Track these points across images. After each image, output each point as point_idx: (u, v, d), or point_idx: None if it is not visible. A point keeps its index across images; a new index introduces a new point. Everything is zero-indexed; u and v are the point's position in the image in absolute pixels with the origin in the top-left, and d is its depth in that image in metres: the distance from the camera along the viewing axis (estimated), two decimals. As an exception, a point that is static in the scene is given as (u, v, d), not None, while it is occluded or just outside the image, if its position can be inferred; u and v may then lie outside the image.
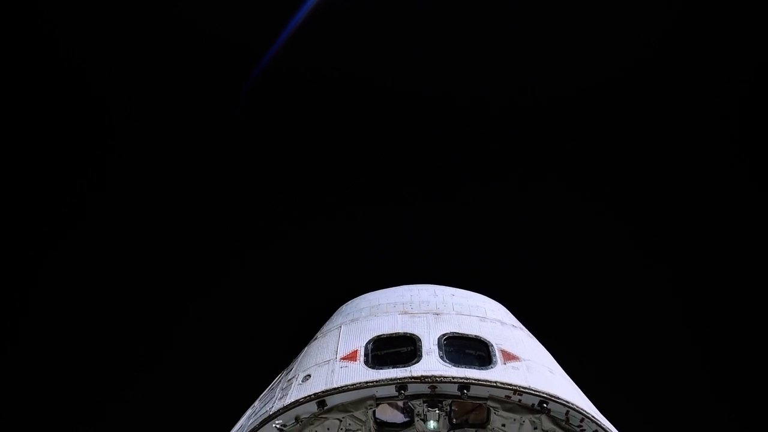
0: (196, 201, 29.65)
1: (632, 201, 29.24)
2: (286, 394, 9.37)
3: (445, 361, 9.11)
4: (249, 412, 10.46)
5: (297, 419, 9.10)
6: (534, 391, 8.96)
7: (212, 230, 29.81)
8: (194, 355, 27.68)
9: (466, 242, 30.01)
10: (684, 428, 25.15)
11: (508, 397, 9.00)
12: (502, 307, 11.76)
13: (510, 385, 8.93)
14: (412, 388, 8.93)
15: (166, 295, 28.79)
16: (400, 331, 9.89)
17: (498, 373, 9.05)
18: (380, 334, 9.91)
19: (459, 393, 8.89)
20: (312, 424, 9.31)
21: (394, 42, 27.60)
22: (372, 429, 9.63)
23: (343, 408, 9.16)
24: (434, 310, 10.47)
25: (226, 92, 28.55)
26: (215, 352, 28.15)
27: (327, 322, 11.53)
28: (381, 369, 9.12)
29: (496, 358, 9.32)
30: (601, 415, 9.66)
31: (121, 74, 28.14)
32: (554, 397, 9.01)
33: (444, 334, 9.67)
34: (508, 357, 9.46)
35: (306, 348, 10.87)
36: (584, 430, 9.22)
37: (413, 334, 9.70)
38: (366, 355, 9.47)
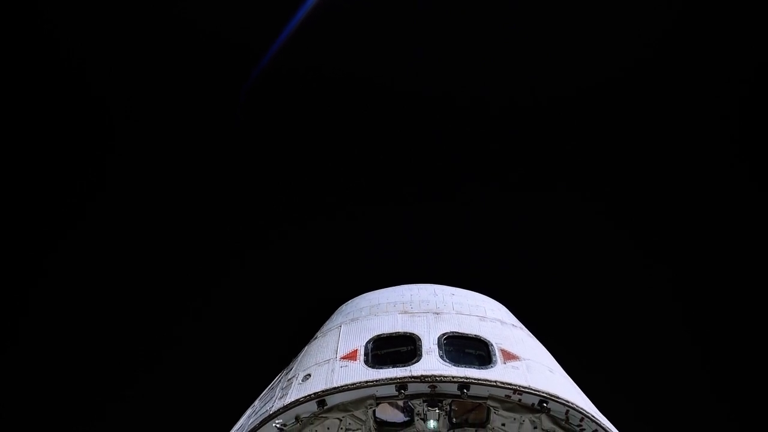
0: (196, 201, 29.69)
1: (632, 201, 29.28)
2: (286, 394, 9.37)
3: (445, 361, 9.12)
4: (249, 411, 10.47)
5: (297, 419, 9.11)
6: (534, 390, 8.96)
7: (212, 230, 29.84)
8: (194, 355, 27.71)
9: (466, 242, 30.05)
10: (684, 428, 25.17)
11: (507, 396, 9.01)
12: (502, 306, 11.77)
13: (510, 384, 8.93)
14: (412, 388, 8.93)
15: (166, 295, 28.83)
16: (400, 331, 9.90)
17: (498, 373, 9.06)
18: (380, 333, 9.92)
19: (459, 392, 8.89)
20: (312, 423, 9.32)
21: (394, 42, 27.63)
22: (372, 428, 9.63)
23: (343, 407, 9.17)
24: (434, 309, 10.47)
25: (226, 92, 28.59)
26: (215, 351, 28.19)
27: (327, 322, 11.54)
28: (381, 368, 9.12)
29: (495, 358, 9.33)
30: (601, 415, 9.66)
31: (121, 74, 28.18)
32: (554, 396, 9.02)
33: (444, 334, 9.68)
34: (508, 356, 9.46)
35: (306, 347, 10.87)
36: (584, 429, 9.22)
37: (413, 334, 9.70)
38: (366, 354, 9.48)
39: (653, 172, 28.94)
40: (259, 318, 29.13)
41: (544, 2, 27.03)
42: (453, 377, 8.84)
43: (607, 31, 26.63)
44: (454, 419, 9.86)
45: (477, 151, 29.79)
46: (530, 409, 9.10)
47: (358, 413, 9.33)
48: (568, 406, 9.06)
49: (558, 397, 9.04)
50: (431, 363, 9.08)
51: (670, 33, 26.65)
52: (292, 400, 9.09)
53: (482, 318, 10.46)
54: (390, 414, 9.94)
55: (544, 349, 10.82)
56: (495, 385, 8.90)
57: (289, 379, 9.87)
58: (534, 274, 28.69)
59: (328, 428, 9.50)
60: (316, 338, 11.00)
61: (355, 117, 29.30)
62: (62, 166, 28.53)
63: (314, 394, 9.02)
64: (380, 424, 9.75)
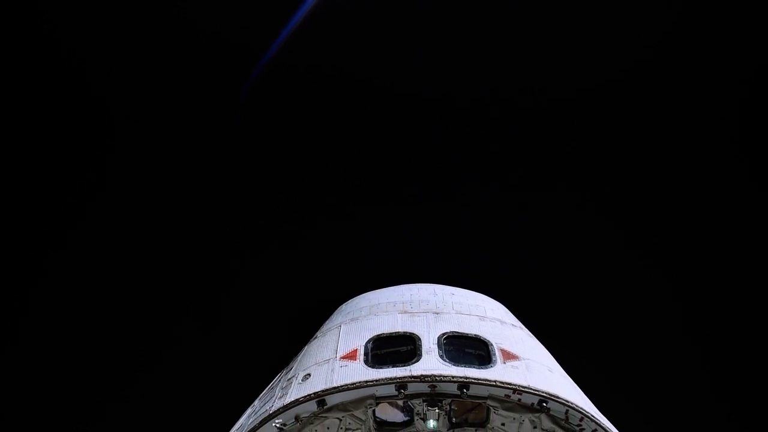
0: (196, 201, 29.69)
1: (632, 202, 29.28)
2: (286, 393, 9.38)
3: (445, 361, 9.12)
4: (249, 411, 10.47)
5: (297, 418, 9.11)
6: (533, 390, 8.97)
7: (212, 230, 29.84)
8: (194, 355, 27.70)
9: (466, 243, 30.05)
10: (684, 428, 25.17)
11: (507, 396, 9.02)
12: (502, 306, 11.77)
13: (509, 384, 8.94)
14: (412, 388, 8.94)
15: (166, 295, 28.83)
16: (399, 331, 9.90)
17: (497, 373, 9.06)
18: (380, 333, 9.92)
19: (459, 392, 8.90)
20: (312, 423, 9.32)
21: (394, 43, 27.64)
22: (372, 428, 9.64)
23: (343, 407, 9.18)
24: (434, 309, 10.48)
25: (226, 92, 28.59)
26: (215, 351, 28.18)
27: (327, 322, 11.54)
28: (381, 368, 9.13)
29: (495, 358, 9.33)
30: (601, 414, 9.67)
31: (121, 74, 28.18)
32: (554, 396, 9.03)
33: (444, 334, 9.68)
34: (508, 356, 9.46)
35: (306, 347, 10.87)
36: (583, 429, 9.23)
37: (413, 334, 9.71)
38: (366, 354, 9.48)
39: (653, 173, 28.98)
40: (259, 318, 29.16)
41: (544, 3, 27.05)
42: (453, 377, 8.84)
43: (607, 32, 26.66)
44: (454, 419, 9.87)
45: (477, 152, 29.83)
46: (530, 408, 9.11)
47: (357, 413, 9.33)
48: (568, 406, 9.06)
49: (558, 397, 9.04)
50: (431, 363, 9.08)
51: (670, 34, 26.69)
52: (292, 399, 9.10)
53: (482, 318, 10.47)
54: (390, 414, 9.94)
55: (544, 348, 10.82)
56: (495, 384, 8.90)
57: (289, 378, 9.87)
58: (534, 274, 28.74)
59: (328, 428, 9.50)
60: (315, 338, 11.00)
61: (355, 118, 29.33)
62: (62, 166, 28.57)
63: (314, 393, 9.03)
64: (380, 423, 9.75)
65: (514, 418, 9.39)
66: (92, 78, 27.99)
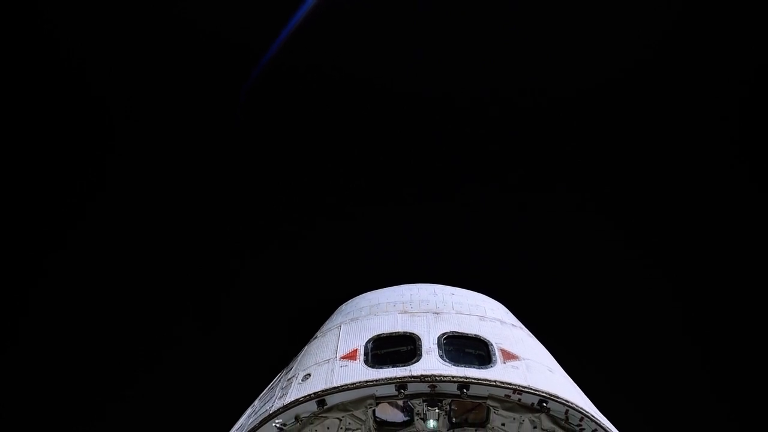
0: (196, 201, 29.69)
1: (632, 202, 29.29)
2: (286, 393, 9.38)
3: (445, 361, 9.12)
4: (249, 411, 10.47)
5: (297, 418, 9.11)
6: (533, 390, 8.97)
7: (212, 230, 29.84)
8: (194, 355, 27.70)
9: (466, 243, 30.05)
10: (684, 428, 25.17)
11: (507, 396, 9.02)
12: (502, 306, 11.77)
13: (509, 384, 8.94)
14: (412, 388, 8.94)
15: (165, 295, 28.83)
16: (399, 330, 9.90)
17: (497, 373, 9.06)
18: (380, 333, 9.92)
19: (459, 392, 8.89)
20: (312, 423, 9.32)
21: (394, 42, 27.64)
22: (372, 428, 9.64)
23: (343, 407, 9.17)
24: (434, 309, 10.48)
25: (226, 92, 28.59)
26: (215, 351, 28.18)
27: (327, 321, 11.54)
28: (381, 368, 9.13)
29: (495, 358, 9.33)
30: (601, 414, 9.66)
31: (121, 74, 28.18)
32: (554, 396, 9.02)
33: (444, 334, 9.68)
34: (508, 356, 9.46)
35: (306, 347, 10.87)
36: (583, 429, 9.22)
37: (413, 334, 9.71)
38: (366, 354, 9.48)
39: (653, 173, 28.98)
40: (259, 317, 29.17)
41: (544, 3, 27.05)
42: (453, 377, 8.84)
43: (607, 32, 26.66)
44: (454, 419, 9.87)
45: (477, 152, 29.83)
46: (530, 408, 9.11)
47: (357, 413, 9.33)
48: (568, 406, 9.06)
49: (558, 397, 9.04)
50: (431, 363, 9.08)
51: (670, 34, 26.69)
52: (292, 399, 9.09)
53: (482, 318, 10.47)
54: (390, 414, 9.94)
55: (544, 348, 10.82)
56: (495, 384, 8.90)
57: (289, 378, 9.87)
58: (534, 274, 28.74)
59: (328, 428, 9.50)
60: (316, 338, 11.00)
61: (355, 118, 29.34)
62: (62, 166, 28.57)
63: (314, 393, 9.03)
64: (380, 423, 9.75)
65: (514, 418, 9.39)
66: (92, 78, 28.03)
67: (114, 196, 29.48)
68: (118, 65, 27.97)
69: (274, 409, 9.16)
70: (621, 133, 28.81)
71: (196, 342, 28.26)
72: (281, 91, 28.76)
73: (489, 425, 9.61)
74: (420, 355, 9.22)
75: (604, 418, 9.65)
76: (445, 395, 9.04)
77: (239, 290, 29.23)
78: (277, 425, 9.05)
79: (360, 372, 9.13)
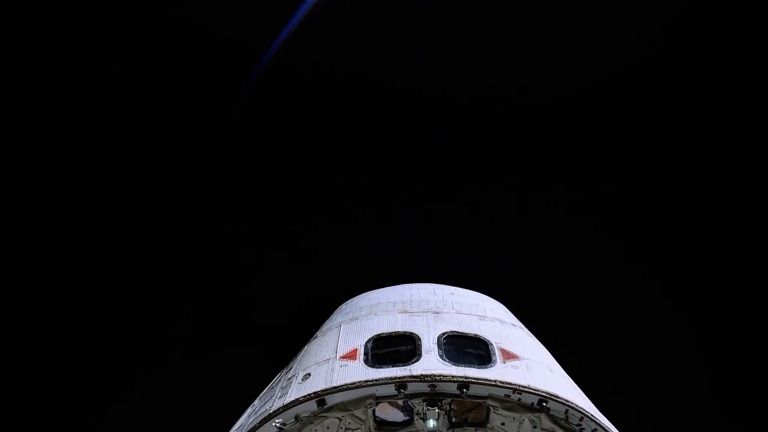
0: (197, 201, 29.69)
1: (632, 201, 29.28)
2: (286, 393, 9.38)
3: (445, 360, 9.12)
4: (249, 410, 10.47)
5: (297, 418, 9.11)
6: (533, 389, 8.97)
7: (212, 230, 29.84)
8: (194, 355, 27.72)
9: (466, 242, 30.05)
10: (684, 428, 25.17)
11: (507, 395, 9.02)
12: (502, 305, 11.77)
13: (509, 383, 8.93)
14: (412, 387, 8.94)
15: (165, 294, 28.83)
16: (399, 330, 9.90)
17: (497, 372, 9.06)
18: (380, 332, 9.92)
19: (458, 392, 8.89)
20: (312, 422, 9.33)
21: (394, 42, 27.63)
22: (372, 428, 9.65)
23: (343, 407, 9.18)
24: (434, 309, 10.47)
25: (226, 92, 28.59)
26: (215, 351, 28.18)
27: (327, 321, 11.54)
28: (381, 368, 9.12)
29: (495, 357, 9.32)
30: (601, 414, 9.66)
31: (121, 74, 28.18)
32: (553, 395, 9.02)
33: (443, 333, 9.68)
34: (508, 356, 9.46)
35: (306, 347, 10.87)
36: (583, 428, 9.23)
37: (413, 333, 9.71)
38: (366, 353, 9.48)
39: (653, 172, 28.98)
40: (260, 317, 29.16)
41: (544, 2, 27.04)
42: (452, 377, 8.83)
43: (607, 31, 26.65)
44: (454, 418, 9.88)
45: (477, 151, 29.82)
46: (530, 408, 9.11)
47: (357, 412, 9.34)
48: (568, 406, 9.06)
49: (557, 397, 9.04)
50: (431, 362, 9.08)
51: (670, 33, 26.67)
52: (292, 399, 9.09)
53: (482, 317, 10.46)
54: (390, 413, 9.95)
55: (544, 348, 10.82)
56: (494, 384, 8.90)
57: (289, 378, 9.87)
58: (534, 274, 28.72)
59: (328, 427, 9.51)
60: (316, 337, 11.00)
61: (355, 117, 29.34)
62: (62, 166, 28.57)
63: (314, 393, 9.02)
64: (380, 423, 9.77)
65: (513, 418, 9.40)
66: (92, 78, 28.03)
67: (114, 196, 29.52)
68: (118, 65, 28.00)
69: (274, 408, 9.16)
70: (621, 132, 28.84)
71: (196, 342, 28.30)
72: (281, 91, 28.79)
73: (489, 425, 9.63)
74: (420, 355, 9.21)
75: (604, 417, 9.65)
76: (445, 395, 9.04)
77: (239, 290, 29.25)
78: (277, 425, 9.06)
79: (360, 372, 9.12)
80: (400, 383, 8.88)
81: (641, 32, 26.65)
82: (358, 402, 9.12)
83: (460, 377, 8.84)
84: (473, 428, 9.86)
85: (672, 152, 28.53)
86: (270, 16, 26.47)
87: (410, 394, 9.02)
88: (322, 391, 9.02)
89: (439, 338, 9.54)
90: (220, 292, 29.37)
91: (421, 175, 30.07)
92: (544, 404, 9.01)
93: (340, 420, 9.43)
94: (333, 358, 9.65)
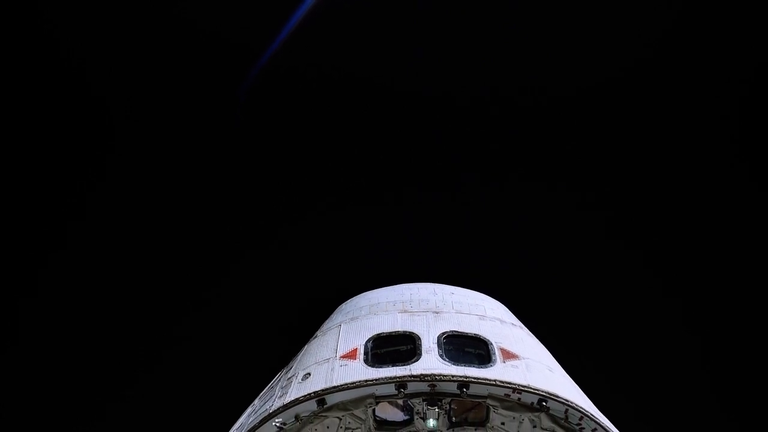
0: (196, 201, 29.69)
1: (632, 201, 29.29)
2: (286, 393, 9.38)
3: (445, 360, 9.12)
4: (249, 410, 10.47)
5: (297, 417, 9.11)
6: (533, 389, 8.96)
7: (212, 230, 29.85)
8: (194, 355, 27.71)
9: (466, 242, 30.05)
10: (684, 428, 25.17)
11: (507, 395, 9.02)
12: (502, 305, 11.77)
13: (509, 383, 8.93)
14: (412, 387, 8.93)
15: (165, 294, 28.84)
16: (399, 330, 9.90)
17: (497, 372, 9.05)
18: (380, 332, 9.91)
19: (458, 391, 8.89)
20: (312, 422, 9.34)
21: (394, 42, 27.63)
22: (372, 427, 9.65)
23: (343, 406, 9.18)
24: (434, 308, 10.47)
25: (226, 92, 28.59)
26: (215, 351, 28.19)
27: (327, 321, 11.54)
28: (381, 367, 9.11)
29: (495, 357, 9.32)
30: (601, 414, 9.67)
31: (121, 74, 28.18)
32: (553, 395, 9.02)
33: (443, 333, 9.67)
34: (508, 355, 9.46)
35: (306, 346, 10.87)
36: (583, 428, 9.23)
37: (413, 333, 9.70)
38: (366, 353, 9.47)
39: (653, 172, 28.98)
40: (259, 317, 29.16)
41: (544, 2, 27.04)
42: (452, 376, 8.83)
43: (607, 31, 26.65)
44: (454, 418, 9.88)
45: (477, 150, 29.82)
46: (529, 407, 9.11)
47: (357, 412, 9.34)
48: (568, 405, 9.06)
49: (557, 396, 9.04)
50: (431, 362, 9.07)
51: (670, 33, 26.67)
52: (292, 399, 9.09)
53: (482, 317, 10.46)
54: (390, 413, 9.95)
55: (544, 348, 10.82)
56: (494, 384, 8.89)
57: (289, 377, 9.87)
58: (534, 274, 28.72)
59: (328, 427, 9.51)
60: (316, 337, 11.00)
61: (354, 117, 29.33)
62: (62, 165, 28.57)
63: (314, 393, 9.02)
64: (380, 422, 9.77)
65: (513, 417, 9.40)
66: (92, 78, 28.02)
67: (114, 196, 29.52)
68: (118, 65, 27.99)
69: (274, 408, 9.16)
70: (621, 131, 28.83)
71: (196, 342, 28.29)
72: (281, 91, 28.78)
73: (489, 424, 9.63)
74: (420, 355, 9.21)
75: (604, 417, 9.65)
76: (445, 394, 9.04)
77: (239, 290, 29.26)
78: (277, 424, 9.06)
79: (360, 371, 9.12)
80: (400, 383, 8.88)
81: (641, 32, 26.66)
82: (358, 401, 9.12)
83: (460, 377, 8.83)
84: (473, 428, 9.86)
85: (672, 152, 28.55)
86: (269, 16, 26.49)
87: (410, 394, 9.02)
88: (322, 390, 9.02)
89: (439, 338, 9.53)
90: (220, 292, 29.40)
91: (421, 175, 30.09)
92: (544, 404, 9.01)
93: (340, 419, 9.44)
94: (333, 357, 9.65)
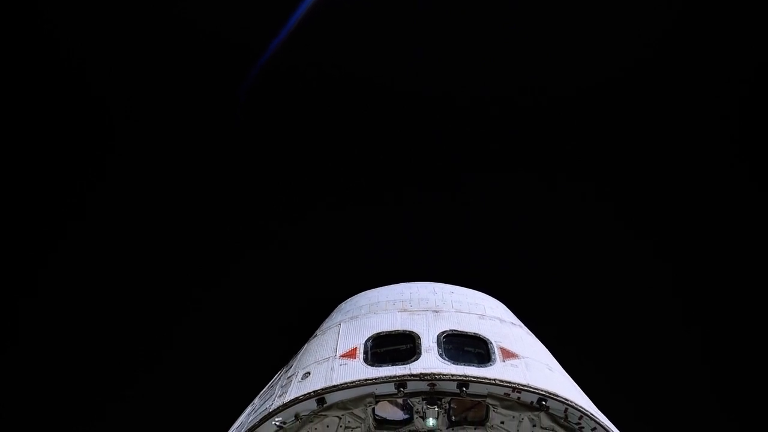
0: (196, 201, 29.70)
1: (632, 201, 29.29)
2: (286, 392, 9.38)
3: (444, 359, 9.12)
4: (249, 409, 10.48)
5: (296, 416, 9.11)
6: (533, 388, 8.97)
7: (212, 230, 29.86)
8: (194, 354, 27.72)
9: (466, 241, 30.05)
10: (684, 428, 25.17)
11: (507, 394, 9.01)
12: (501, 304, 11.78)
13: (509, 382, 8.93)
14: (412, 386, 8.93)
15: (165, 294, 28.84)
16: (399, 329, 9.90)
17: (497, 371, 9.06)
18: (380, 331, 9.92)
19: (458, 390, 8.89)
20: (311, 421, 9.33)
21: (394, 42, 27.64)
22: (371, 426, 9.64)
23: (343, 405, 9.18)
24: (433, 307, 10.48)
25: (226, 92, 28.60)
26: (215, 350, 28.19)
27: (326, 320, 11.55)
28: (380, 366, 9.12)
29: (495, 356, 9.32)
30: (600, 413, 9.67)
31: (121, 74, 28.19)
32: (553, 394, 9.02)
33: (443, 332, 9.67)
34: (507, 354, 9.46)
35: (305, 345, 10.88)
36: (583, 427, 9.22)
37: (412, 332, 9.71)
38: (365, 352, 9.47)
39: (654, 172, 28.98)
40: (259, 316, 29.17)
41: (544, 2, 27.05)
42: (452, 375, 8.83)
43: (607, 31, 26.65)
44: (453, 417, 9.87)
45: (477, 150, 29.83)
46: (529, 407, 9.11)
47: (357, 411, 9.34)
48: (567, 404, 9.06)
49: (557, 395, 9.04)
50: (430, 361, 9.07)
51: (670, 33, 26.67)
52: (292, 398, 9.09)
53: (481, 316, 10.47)
54: (389, 412, 9.95)
55: (543, 347, 10.82)
56: (494, 383, 8.89)
57: (289, 377, 9.88)
58: (534, 273, 28.72)
59: (328, 426, 9.51)
60: (315, 336, 11.00)
61: (354, 116, 29.34)
62: (62, 165, 28.58)
63: (314, 392, 9.02)
64: (379, 422, 9.76)
65: (513, 417, 9.40)
66: (92, 78, 28.03)
67: (114, 196, 29.52)
68: (118, 65, 28.00)
69: (273, 407, 9.16)
70: (621, 131, 28.84)
71: (195, 341, 28.29)
72: (281, 91, 28.79)
73: (488, 423, 9.63)
74: (419, 354, 9.21)
75: (604, 416, 9.65)
76: (445, 393, 9.03)
77: (239, 289, 29.26)
78: (277, 423, 9.06)
79: (359, 370, 9.12)
80: (400, 382, 8.88)
81: (641, 32, 26.67)
82: (357, 401, 9.12)
83: (460, 376, 8.83)
84: (473, 427, 9.85)
85: (672, 152, 28.56)
86: (269, 16, 26.49)
87: (410, 393, 9.01)
88: (322, 389, 9.02)
89: (438, 337, 9.54)
90: (219, 291, 29.40)
91: (421, 175, 30.09)
92: (544, 403, 9.01)
93: (340, 419, 9.44)
94: (333, 356, 9.66)
